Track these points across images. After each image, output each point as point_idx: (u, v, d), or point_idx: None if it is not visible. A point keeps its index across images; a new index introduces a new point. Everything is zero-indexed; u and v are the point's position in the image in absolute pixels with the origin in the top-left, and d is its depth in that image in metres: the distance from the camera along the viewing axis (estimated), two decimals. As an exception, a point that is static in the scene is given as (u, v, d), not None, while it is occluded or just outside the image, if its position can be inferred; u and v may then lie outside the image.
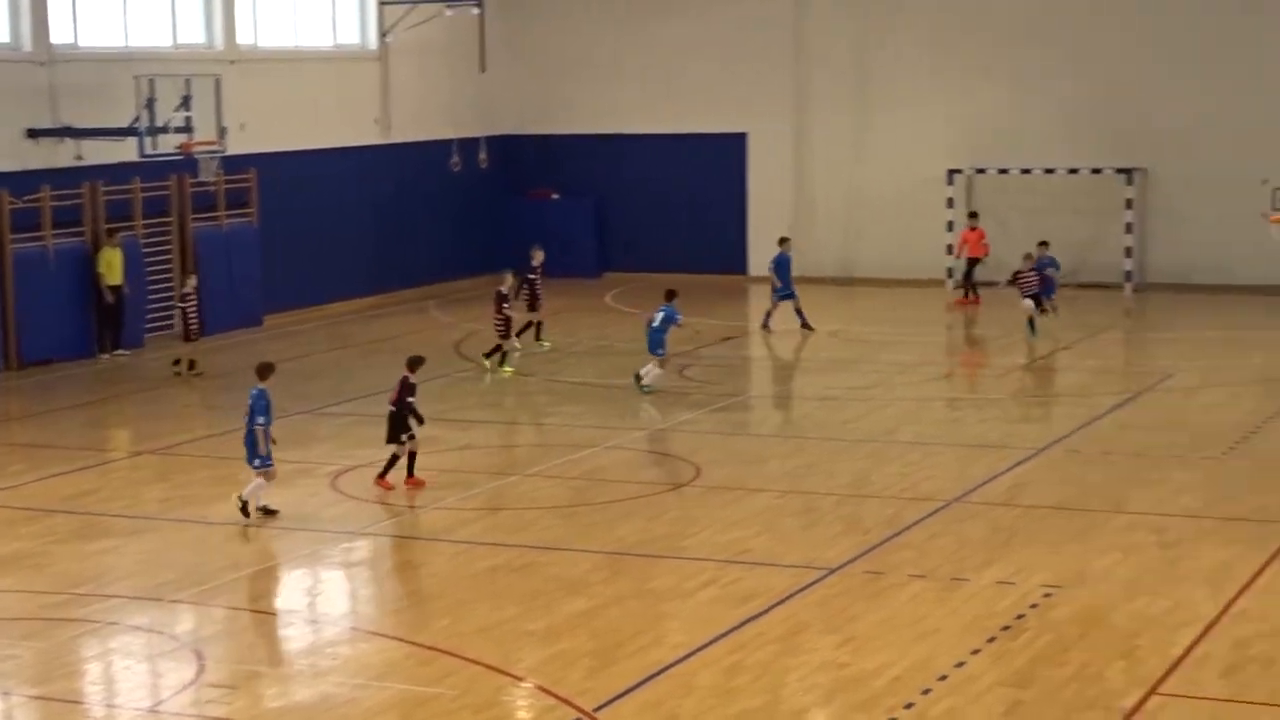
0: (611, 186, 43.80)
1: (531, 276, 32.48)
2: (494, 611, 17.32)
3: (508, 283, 30.76)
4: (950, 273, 40.33)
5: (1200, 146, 39.26)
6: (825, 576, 18.18)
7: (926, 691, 14.82)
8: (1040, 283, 33.11)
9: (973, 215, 39.05)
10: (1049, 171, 39.98)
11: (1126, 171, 39.31)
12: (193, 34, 35.91)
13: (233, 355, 31.58)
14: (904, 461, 23.53)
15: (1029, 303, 32.96)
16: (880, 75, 41.68)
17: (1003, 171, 40.44)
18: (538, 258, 32.77)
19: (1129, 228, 39.23)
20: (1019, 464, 23.12)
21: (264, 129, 36.34)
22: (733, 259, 42.71)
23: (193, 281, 31.30)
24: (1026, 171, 40.21)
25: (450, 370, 30.97)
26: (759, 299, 40.51)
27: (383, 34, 40.21)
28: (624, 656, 15.85)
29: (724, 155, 42.87)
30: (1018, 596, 17.35)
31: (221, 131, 33.70)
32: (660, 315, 28.50)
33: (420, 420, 22.20)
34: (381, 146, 40.35)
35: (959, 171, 40.62)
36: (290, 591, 18.95)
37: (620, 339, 33.82)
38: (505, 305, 30.41)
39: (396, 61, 40.52)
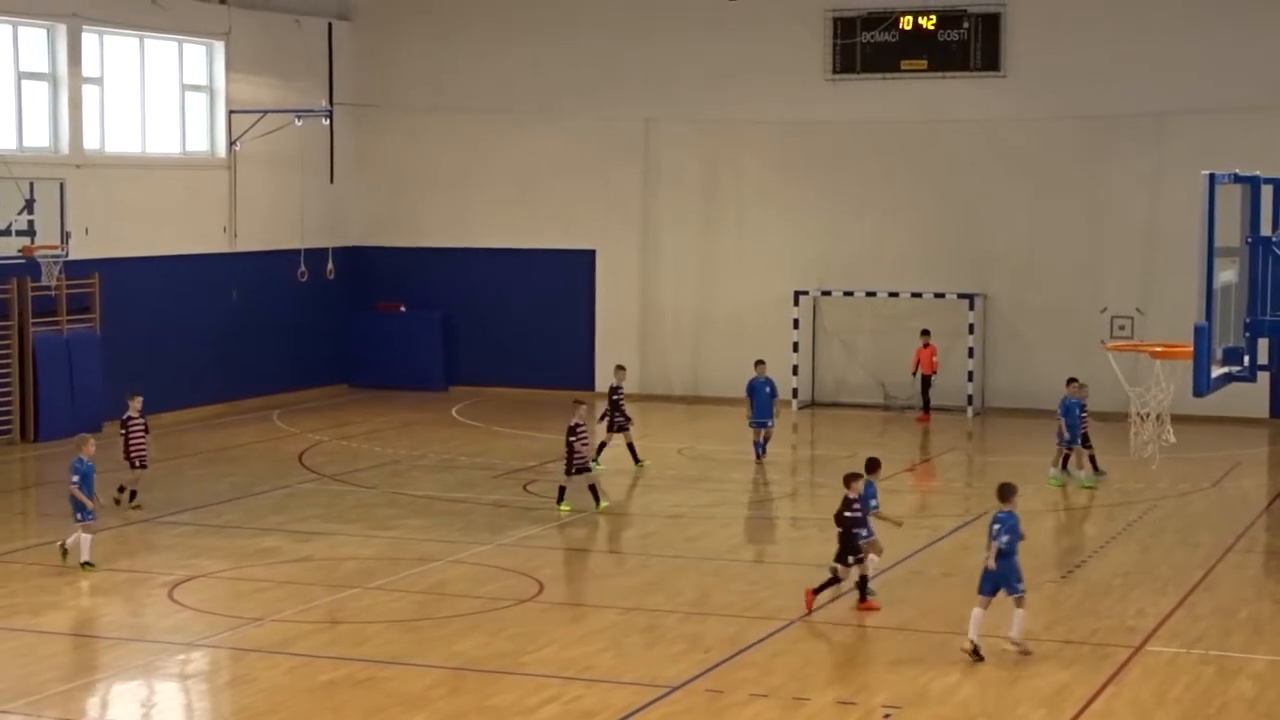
0: (459, 300, 43.78)
1: (616, 397, 32.01)
2: (331, 726, 17.06)
3: (579, 413, 28.13)
4: (796, 391, 40.59)
5: (1042, 274, 39.97)
6: (667, 694, 18.09)
7: (767, 811, 14.76)
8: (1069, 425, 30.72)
9: (925, 333, 39.44)
10: (894, 295, 40.47)
11: (969, 297, 39.86)
12: (38, 137, 35.54)
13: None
14: (747, 580, 23.54)
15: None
16: (728, 196, 42.10)
17: (848, 294, 40.87)
18: (620, 376, 32.56)
19: (971, 352, 39.76)
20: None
21: (109, 234, 36.02)
22: (580, 375, 42.68)
23: (137, 404, 28.61)
24: (872, 294, 40.67)
25: (292, 481, 30.66)
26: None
27: (232, 142, 40.03)
28: (463, 773, 15.65)
29: (573, 271, 43.01)
30: (859, 716, 17.35)
31: (65, 236, 33.31)
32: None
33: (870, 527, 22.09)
34: (228, 255, 40.07)
35: (805, 293, 40.98)
36: (124, 703, 18.54)
37: (466, 453, 33.67)
38: (572, 438, 27.87)
39: (245, 170, 40.33)
